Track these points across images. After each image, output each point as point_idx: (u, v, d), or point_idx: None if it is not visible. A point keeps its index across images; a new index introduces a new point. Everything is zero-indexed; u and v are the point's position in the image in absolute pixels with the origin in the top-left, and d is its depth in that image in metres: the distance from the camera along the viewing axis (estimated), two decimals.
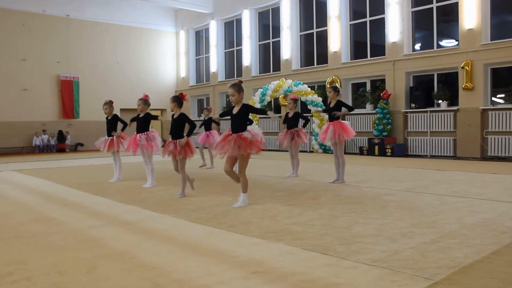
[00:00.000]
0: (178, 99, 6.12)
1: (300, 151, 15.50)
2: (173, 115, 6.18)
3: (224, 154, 5.26)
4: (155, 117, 7.61)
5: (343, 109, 7.33)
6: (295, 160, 8.39)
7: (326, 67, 15.95)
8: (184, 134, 6.05)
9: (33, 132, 18.81)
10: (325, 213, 4.85)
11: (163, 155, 6.12)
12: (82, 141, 19.93)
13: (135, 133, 7.41)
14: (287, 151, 8.73)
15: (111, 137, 7.94)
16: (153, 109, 23.51)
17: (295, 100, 8.31)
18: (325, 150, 14.89)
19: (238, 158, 5.29)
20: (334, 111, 7.16)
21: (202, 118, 21.87)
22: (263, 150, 5.48)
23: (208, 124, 10.35)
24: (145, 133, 7.31)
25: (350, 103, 15.69)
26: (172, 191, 6.59)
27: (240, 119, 5.31)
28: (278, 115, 5.18)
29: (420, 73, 13.70)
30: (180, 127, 6.10)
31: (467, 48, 12.18)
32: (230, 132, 5.30)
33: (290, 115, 8.27)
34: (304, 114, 8.51)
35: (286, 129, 8.32)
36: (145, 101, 7.42)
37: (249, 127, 5.33)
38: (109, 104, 8.12)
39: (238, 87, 5.35)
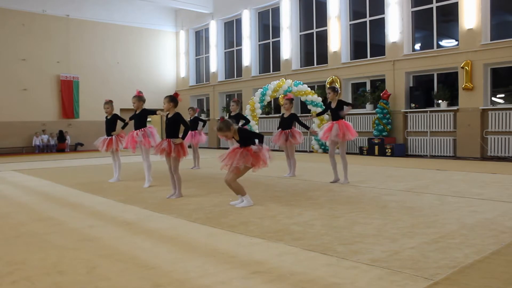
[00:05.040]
0: (174, 99, 6.08)
1: (300, 151, 15.47)
2: (167, 115, 6.15)
3: (227, 166, 5.25)
4: (153, 112, 7.55)
5: (345, 107, 7.36)
6: (292, 160, 8.41)
7: (326, 67, 15.95)
8: (180, 136, 6.04)
9: (33, 132, 18.81)
10: (325, 213, 4.85)
11: (156, 152, 6.12)
12: (82, 141, 19.93)
13: (133, 130, 7.43)
14: (283, 151, 8.76)
15: (110, 137, 7.94)
16: (153, 109, 23.52)
17: (291, 100, 8.28)
18: (325, 150, 14.89)
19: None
20: (338, 111, 7.18)
21: (201, 118, 21.98)
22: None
23: (194, 124, 10.31)
24: (142, 129, 7.32)
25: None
26: (172, 191, 6.58)
27: (244, 140, 5.33)
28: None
29: (420, 73, 13.70)
30: (175, 126, 6.07)
31: (467, 48, 12.18)
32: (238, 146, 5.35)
33: (285, 115, 8.25)
34: (301, 117, 8.51)
35: (280, 129, 8.31)
36: (139, 97, 7.39)
37: (256, 146, 5.28)
38: (110, 103, 8.10)
39: (226, 124, 5.29)
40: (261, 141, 5.28)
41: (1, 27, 18.26)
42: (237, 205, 5.31)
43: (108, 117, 8.07)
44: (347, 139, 7.12)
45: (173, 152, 5.90)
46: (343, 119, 7.20)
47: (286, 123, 8.23)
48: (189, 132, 10.15)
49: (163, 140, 6.09)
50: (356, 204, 5.37)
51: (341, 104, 7.24)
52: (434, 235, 3.79)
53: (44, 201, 6.16)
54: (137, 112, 7.44)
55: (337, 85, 15.33)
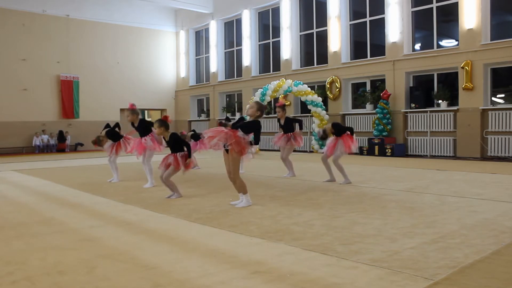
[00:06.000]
0: (165, 123, 6.09)
1: (300, 151, 15.46)
2: (164, 139, 6.17)
3: (211, 139, 5.23)
4: (151, 124, 7.56)
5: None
6: (287, 161, 8.45)
7: (326, 67, 15.94)
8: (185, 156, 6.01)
9: (33, 132, 18.80)
10: (325, 213, 4.85)
11: (160, 167, 6.06)
12: (82, 141, 19.92)
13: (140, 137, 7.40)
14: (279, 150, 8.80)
15: (118, 141, 7.97)
16: (153, 109, 23.56)
17: (283, 107, 8.34)
18: None
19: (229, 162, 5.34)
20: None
21: (201, 118, 22.03)
22: (261, 150, 5.52)
23: (195, 138, 10.37)
24: (150, 134, 7.29)
25: (350, 103, 15.70)
26: (171, 192, 6.57)
27: (246, 128, 5.35)
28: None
29: (420, 73, 13.70)
30: (176, 144, 6.05)
31: (467, 48, 12.18)
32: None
33: (282, 122, 8.34)
34: (296, 117, 8.64)
35: (282, 132, 8.35)
36: (132, 111, 7.30)
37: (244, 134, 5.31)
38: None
39: (259, 106, 5.36)
40: (255, 143, 5.31)
41: (1, 27, 18.25)
42: (237, 205, 5.32)
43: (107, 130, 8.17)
44: (353, 151, 7.19)
45: (181, 164, 5.89)
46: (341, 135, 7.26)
47: (286, 128, 8.27)
48: (197, 143, 10.17)
49: (169, 154, 6.06)
50: (356, 204, 5.37)
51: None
52: (434, 235, 3.79)
53: (44, 201, 6.16)
54: (135, 125, 7.37)
55: (338, 86, 15.35)
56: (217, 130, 5.30)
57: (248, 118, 5.48)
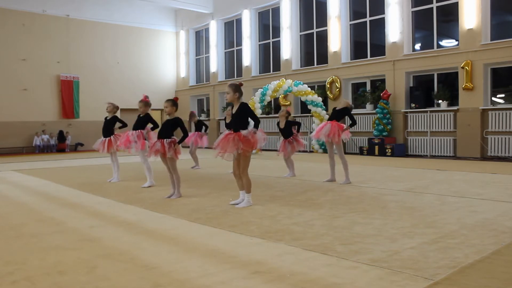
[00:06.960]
0: (176, 104, 6.14)
1: (300, 151, 15.48)
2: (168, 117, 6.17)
3: (223, 154, 5.26)
4: (155, 125, 7.55)
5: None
6: (289, 161, 8.46)
7: (326, 67, 15.94)
8: (177, 141, 6.00)
9: (33, 132, 18.80)
10: (325, 213, 4.85)
11: (149, 155, 6.11)
12: (82, 141, 19.93)
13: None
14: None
15: (109, 138, 7.95)
16: (153, 109, 23.49)
17: (288, 112, 8.48)
18: (325, 150, 14.88)
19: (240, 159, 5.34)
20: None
21: (202, 118, 22.01)
22: (262, 150, 5.52)
23: (199, 127, 10.45)
24: (139, 130, 7.30)
25: (350, 103, 15.68)
26: (171, 192, 6.57)
27: (239, 118, 5.34)
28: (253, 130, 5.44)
29: (420, 73, 13.70)
30: (172, 128, 6.06)
31: (467, 48, 12.18)
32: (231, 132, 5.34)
33: (282, 125, 8.33)
34: (296, 120, 8.71)
35: (283, 139, 8.36)
36: (145, 103, 7.37)
37: (247, 130, 5.30)
38: (112, 105, 8.13)
39: (235, 87, 5.40)
40: (256, 126, 5.31)
41: (1, 27, 18.25)
42: (237, 205, 5.32)
43: (108, 118, 8.08)
44: (336, 141, 7.12)
45: (168, 152, 5.87)
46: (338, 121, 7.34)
47: (285, 133, 8.29)
48: (195, 133, 10.26)
49: (156, 141, 6.07)
50: (356, 204, 5.37)
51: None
52: (434, 235, 3.79)
53: (44, 201, 6.15)
54: (141, 116, 7.42)
55: (338, 86, 15.34)
56: (225, 141, 5.25)
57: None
